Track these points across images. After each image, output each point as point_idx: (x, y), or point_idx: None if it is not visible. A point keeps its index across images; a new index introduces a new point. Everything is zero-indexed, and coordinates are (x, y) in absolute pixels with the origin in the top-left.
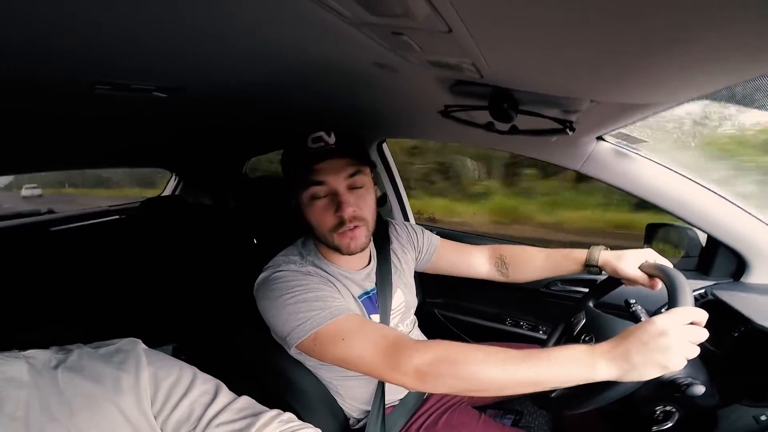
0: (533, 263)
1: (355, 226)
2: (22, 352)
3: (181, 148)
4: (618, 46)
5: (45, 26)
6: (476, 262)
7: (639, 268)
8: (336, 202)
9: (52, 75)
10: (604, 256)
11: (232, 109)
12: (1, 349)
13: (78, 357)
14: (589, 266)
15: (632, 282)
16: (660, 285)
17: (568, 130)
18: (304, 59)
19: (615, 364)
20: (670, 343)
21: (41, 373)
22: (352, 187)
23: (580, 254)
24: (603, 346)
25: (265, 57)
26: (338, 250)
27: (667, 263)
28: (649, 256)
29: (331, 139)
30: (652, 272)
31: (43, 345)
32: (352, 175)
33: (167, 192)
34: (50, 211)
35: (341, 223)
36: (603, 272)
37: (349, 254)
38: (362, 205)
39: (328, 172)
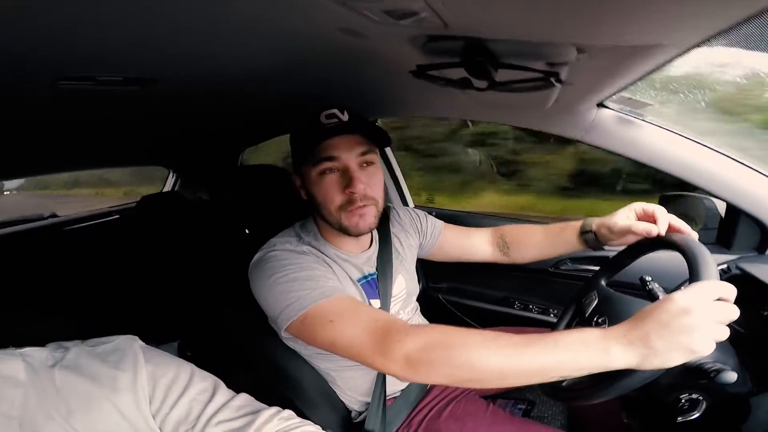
0: (533, 240)
1: (365, 205)
2: (18, 350)
3: (174, 144)
4: None
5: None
6: (479, 244)
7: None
8: (347, 178)
9: (11, 75)
10: (598, 220)
11: (216, 99)
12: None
13: (75, 355)
14: (585, 233)
15: (634, 233)
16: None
17: (554, 80)
18: (272, 39)
19: (632, 350)
20: (694, 323)
21: (38, 372)
22: (363, 165)
23: (576, 223)
24: (617, 330)
25: (234, 37)
26: (346, 230)
27: (658, 209)
28: (636, 205)
29: (345, 117)
30: (670, 240)
31: (45, 342)
32: (364, 153)
33: (166, 189)
34: (53, 215)
35: (351, 201)
36: (599, 242)
37: (357, 234)
38: (372, 184)
39: (342, 147)
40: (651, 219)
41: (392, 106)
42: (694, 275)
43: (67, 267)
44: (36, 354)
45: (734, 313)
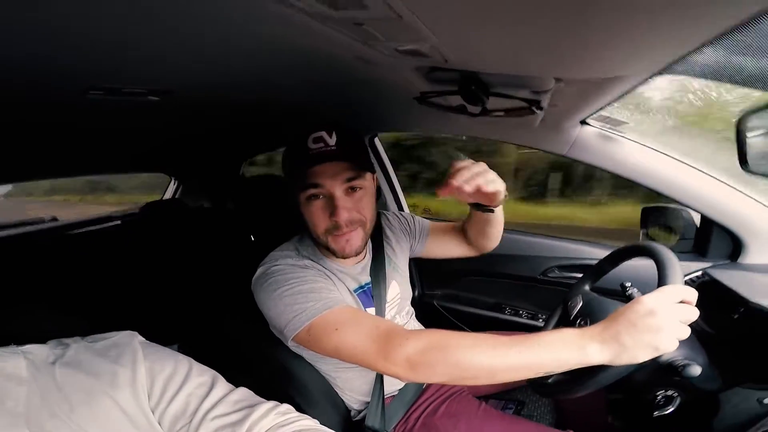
0: (468, 222)
1: (351, 230)
2: (19, 347)
3: (177, 152)
4: (572, 20)
5: (36, 34)
6: (459, 238)
7: None
8: (332, 206)
9: (44, 82)
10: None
11: (223, 111)
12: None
13: (75, 352)
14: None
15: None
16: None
17: (535, 108)
18: (288, 58)
19: (606, 347)
20: (659, 323)
21: (40, 369)
22: (348, 191)
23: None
24: (593, 329)
25: (248, 59)
26: (333, 253)
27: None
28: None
29: (332, 140)
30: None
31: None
32: (350, 179)
33: (167, 196)
34: (54, 219)
35: (336, 227)
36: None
37: (344, 257)
38: (360, 207)
39: (326, 175)
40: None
41: (393, 123)
42: (661, 279)
43: (67, 271)
44: (37, 351)
45: (694, 314)
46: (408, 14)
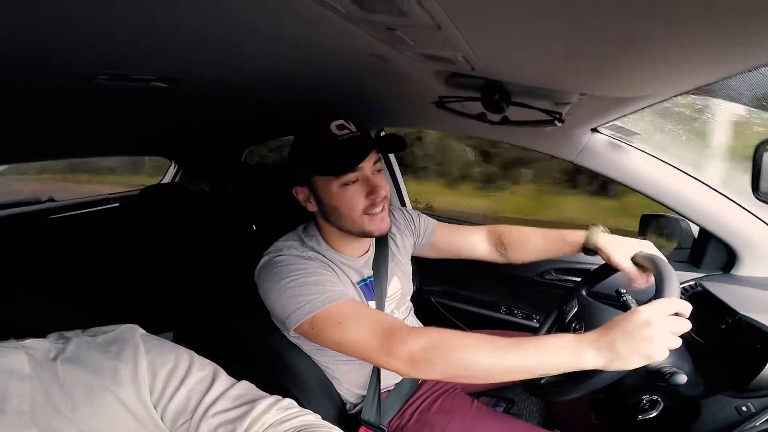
0: (531, 245)
1: (383, 209)
2: (20, 342)
3: (180, 136)
4: (606, 40)
5: (44, 18)
6: (475, 242)
7: (632, 258)
8: (369, 186)
9: (52, 67)
10: (602, 241)
11: (230, 99)
12: (2, 337)
13: (76, 347)
14: (586, 250)
15: (622, 271)
16: (648, 281)
17: (556, 121)
18: (302, 52)
19: (601, 353)
20: (653, 334)
21: (42, 365)
22: (374, 173)
23: (578, 237)
24: (590, 336)
25: (262, 49)
26: (368, 234)
27: (660, 255)
28: (645, 247)
29: (352, 126)
30: (642, 262)
31: (46, 331)
32: (376, 162)
33: (167, 179)
34: (51, 200)
35: (373, 205)
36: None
37: (380, 236)
38: (384, 186)
39: (362, 160)
40: (644, 265)
41: (404, 120)
42: (659, 291)
43: (64, 254)
44: (38, 346)
45: (686, 326)
46: (448, 24)
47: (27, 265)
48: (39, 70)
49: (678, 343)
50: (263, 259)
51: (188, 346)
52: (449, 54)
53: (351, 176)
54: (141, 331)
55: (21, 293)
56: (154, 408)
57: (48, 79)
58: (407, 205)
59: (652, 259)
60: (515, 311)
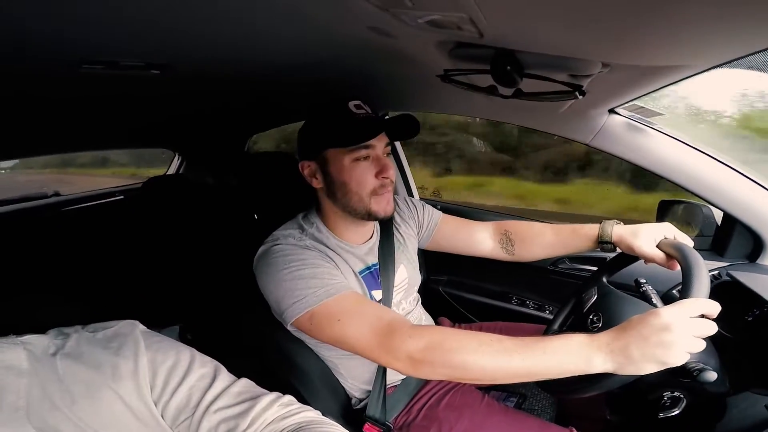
0: (541, 240)
1: (390, 190)
2: (19, 338)
3: (183, 127)
4: (636, 1)
5: (29, 4)
6: (479, 238)
7: (657, 246)
8: (379, 165)
9: (38, 53)
10: (618, 231)
11: (229, 86)
12: (2, 333)
13: (76, 343)
14: (603, 243)
15: (649, 260)
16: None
17: (578, 93)
18: (298, 27)
19: (612, 358)
20: (672, 339)
21: (40, 361)
22: (385, 155)
23: (591, 230)
24: (602, 338)
25: (254, 30)
26: (373, 215)
27: (687, 240)
28: (668, 231)
29: (368, 108)
30: (672, 252)
31: (48, 326)
32: (387, 144)
33: (171, 171)
34: (56, 194)
35: (383, 185)
36: (617, 249)
37: (384, 218)
38: (394, 170)
39: (376, 138)
40: (673, 256)
41: (409, 103)
42: (685, 289)
43: (69, 246)
44: (37, 341)
45: (712, 329)
46: None
47: (33, 260)
48: (22, 57)
49: (701, 347)
50: (261, 249)
51: (194, 340)
52: (453, 16)
53: (363, 152)
54: (141, 327)
55: (23, 290)
56: (155, 405)
57: (33, 67)
58: (414, 194)
59: (680, 249)
60: (527, 302)
